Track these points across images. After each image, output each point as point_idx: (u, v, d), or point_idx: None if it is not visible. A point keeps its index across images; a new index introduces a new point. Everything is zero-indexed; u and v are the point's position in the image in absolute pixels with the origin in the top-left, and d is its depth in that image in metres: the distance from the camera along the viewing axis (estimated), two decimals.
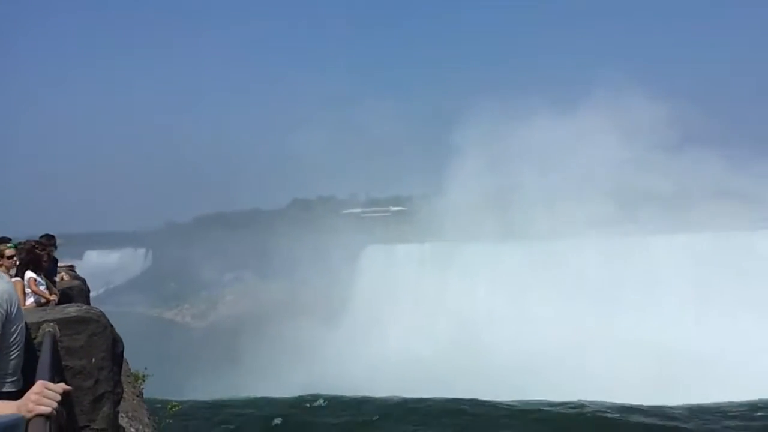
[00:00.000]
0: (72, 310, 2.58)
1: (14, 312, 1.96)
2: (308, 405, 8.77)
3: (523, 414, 7.24)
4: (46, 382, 1.62)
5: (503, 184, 40.82)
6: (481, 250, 34.79)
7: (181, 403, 8.87)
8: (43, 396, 1.55)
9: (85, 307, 2.74)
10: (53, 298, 4.36)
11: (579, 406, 7.29)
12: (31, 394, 1.56)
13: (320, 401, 8.78)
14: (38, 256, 4.30)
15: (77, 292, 5.44)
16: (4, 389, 1.95)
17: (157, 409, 7.45)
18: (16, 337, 1.98)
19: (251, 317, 44.56)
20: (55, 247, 5.59)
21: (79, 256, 60.89)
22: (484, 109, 49.40)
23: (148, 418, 4.54)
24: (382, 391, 9.19)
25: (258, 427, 8.28)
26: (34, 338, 2.27)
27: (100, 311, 2.63)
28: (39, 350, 2.18)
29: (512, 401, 7.80)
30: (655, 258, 30.00)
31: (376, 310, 36.40)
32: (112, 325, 2.63)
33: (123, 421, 3.41)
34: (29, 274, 4.18)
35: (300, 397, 9.41)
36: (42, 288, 4.26)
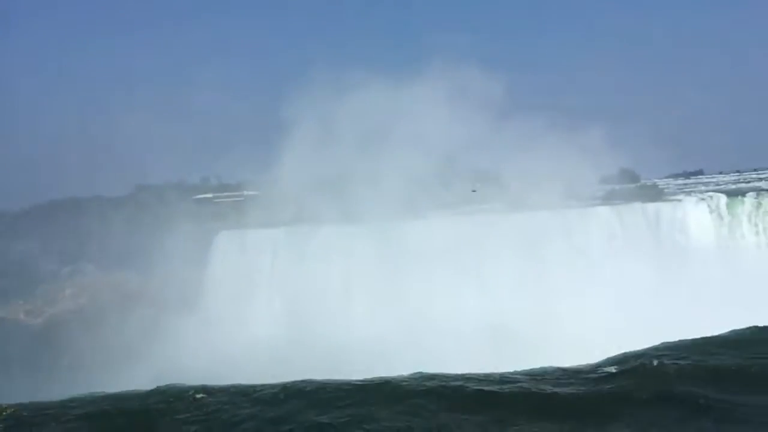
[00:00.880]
0: None
1: None
2: (159, 397, 8.34)
3: (364, 389, 7.42)
4: None
5: (336, 164, 40.42)
6: (332, 233, 35.21)
7: (13, 406, 8.15)
8: None
9: None
10: None
11: (424, 378, 7.60)
12: None
13: (171, 393, 8.40)
14: None
15: None
16: None
17: None
18: None
19: (94, 311, 41.88)
20: None
21: None
22: (314, 82, 46.75)
23: None
24: (234, 379, 8.99)
25: (102, 426, 7.75)
26: None
27: None
28: None
29: (359, 379, 7.95)
30: (490, 236, 32.11)
31: (231, 298, 35.79)
32: None
33: None
34: None
35: (152, 389, 8.88)
36: None
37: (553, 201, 35.77)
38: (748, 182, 54.10)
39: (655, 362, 7.05)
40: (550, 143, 37.08)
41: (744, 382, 6.20)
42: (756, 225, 34.28)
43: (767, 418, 5.65)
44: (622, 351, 7.78)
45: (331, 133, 41.94)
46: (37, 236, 54.02)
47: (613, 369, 7.26)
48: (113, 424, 7.60)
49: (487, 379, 7.50)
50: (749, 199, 34.84)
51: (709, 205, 35.51)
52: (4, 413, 7.67)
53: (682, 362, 6.90)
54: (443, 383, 7.21)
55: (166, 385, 8.70)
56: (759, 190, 37.18)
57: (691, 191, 42.40)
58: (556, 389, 6.86)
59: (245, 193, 57.90)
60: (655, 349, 7.71)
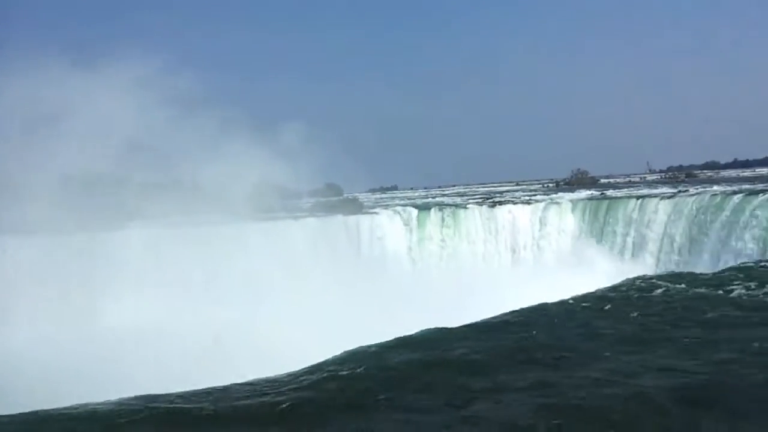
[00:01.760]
0: None
1: None
2: None
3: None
4: None
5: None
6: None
7: None
8: None
9: None
10: None
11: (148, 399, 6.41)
12: None
13: None
14: None
15: None
16: None
17: None
18: None
19: None
20: None
21: None
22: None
23: None
24: None
25: None
26: None
27: None
28: None
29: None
30: (194, 246, 30.75)
31: None
32: None
33: None
34: None
35: None
36: None
37: (261, 211, 35.66)
38: (434, 197, 60.62)
39: (345, 370, 6.93)
40: (257, 153, 37.00)
41: (422, 381, 6.38)
42: (440, 237, 38.19)
43: (438, 413, 5.76)
44: (323, 358, 7.59)
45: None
46: None
47: (311, 377, 6.91)
48: None
49: (193, 396, 6.71)
50: (434, 213, 38.66)
51: (402, 218, 38.59)
52: None
53: (367, 366, 6.87)
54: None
55: None
56: (442, 205, 41.57)
57: (387, 205, 45.80)
58: (251, 401, 6.29)
59: None
60: (352, 353, 7.65)
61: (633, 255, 33.64)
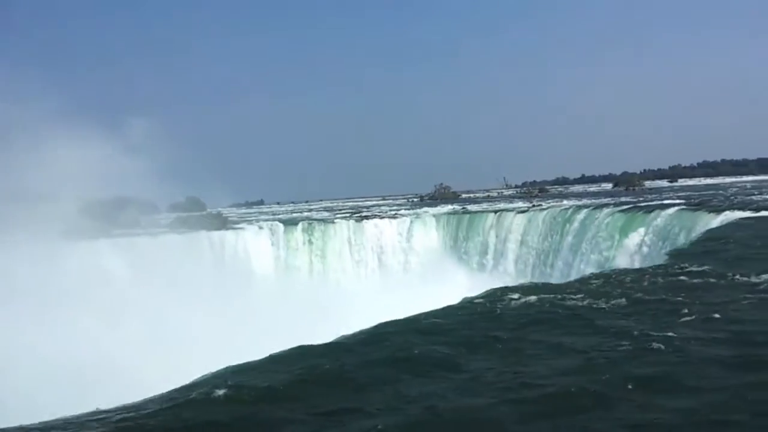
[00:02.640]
0: None
1: None
2: None
3: None
4: None
5: None
6: None
7: None
8: None
9: None
10: None
11: None
12: None
13: None
14: None
15: None
16: None
17: None
18: None
19: None
20: None
21: None
22: None
23: None
24: None
25: None
26: None
27: None
28: None
29: None
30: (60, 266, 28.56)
31: None
32: None
33: None
34: None
35: None
36: None
37: (116, 227, 33.62)
38: (302, 212, 60.22)
39: (210, 392, 6.64)
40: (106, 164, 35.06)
41: (293, 398, 6.24)
42: (308, 252, 37.92)
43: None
44: (188, 380, 7.27)
45: None
46: None
47: (176, 400, 6.57)
48: None
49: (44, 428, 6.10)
50: (301, 228, 38.35)
51: (269, 233, 37.94)
52: None
53: (233, 386, 6.64)
54: None
55: None
56: (310, 220, 41.36)
57: (253, 220, 44.89)
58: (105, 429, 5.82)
59: None
60: (217, 374, 7.36)
61: (493, 266, 35.25)
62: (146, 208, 42.76)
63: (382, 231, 39.23)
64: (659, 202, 32.30)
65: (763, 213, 23.06)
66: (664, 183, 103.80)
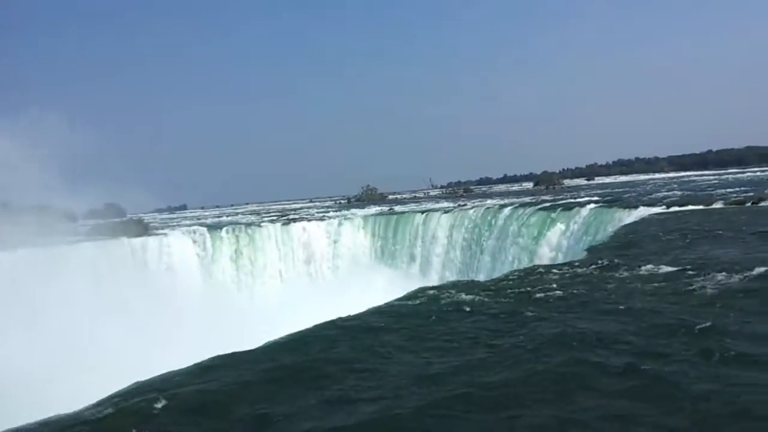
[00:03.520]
0: None
1: None
2: None
3: None
4: None
5: None
6: None
7: None
8: None
9: None
10: None
11: None
12: None
13: None
14: None
15: None
16: None
17: None
18: None
19: None
20: None
21: None
22: None
23: None
24: None
25: None
26: None
27: None
28: None
29: None
30: None
31: None
32: None
33: None
34: None
35: None
36: None
37: (30, 237, 31.99)
38: (227, 216, 59.09)
39: (134, 403, 6.44)
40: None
41: (216, 411, 6.19)
42: (234, 257, 37.22)
43: None
44: (109, 393, 7.00)
45: None
46: None
47: (98, 413, 6.37)
48: None
49: None
50: (227, 233, 37.62)
51: (193, 239, 37.00)
52: None
53: (158, 398, 6.48)
54: None
55: None
56: (236, 224, 40.64)
57: (176, 225, 43.70)
58: None
59: None
60: (142, 385, 7.20)
61: (421, 266, 35.64)
62: (60, 215, 40.85)
63: (310, 233, 39.01)
64: (578, 200, 33.51)
65: (674, 209, 24.31)
66: (582, 181, 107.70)
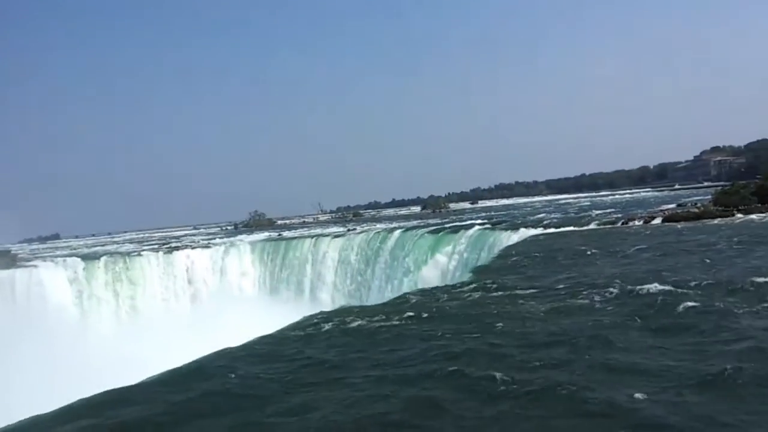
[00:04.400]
0: None
1: None
2: None
3: None
4: None
5: None
6: None
7: None
8: None
9: None
10: None
11: None
12: None
13: None
14: None
15: None
16: None
17: None
18: None
19: None
20: None
21: None
22: None
23: None
24: None
25: None
26: None
27: None
28: None
29: None
30: None
31: None
32: None
33: None
34: None
35: None
36: None
37: None
38: (104, 245, 56.00)
39: None
40: None
41: None
42: (113, 287, 35.15)
43: None
44: None
45: None
46: None
47: None
48: None
49: None
50: (104, 263, 35.55)
51: (66, 271, 34.65)
52: None
53: None
54: None
55: None
56: (113, 254, 38.52)
57: (48, 256, 40.84)
58: None
59: None
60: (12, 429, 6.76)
61: (311, 292, 35.24)
62: None
63: (195, 261, 37.62)
64: (463, 223, 34.52)
65: (552, 230, 25.58)
66: (467, 205, 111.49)
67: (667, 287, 10.68)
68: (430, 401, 6.38)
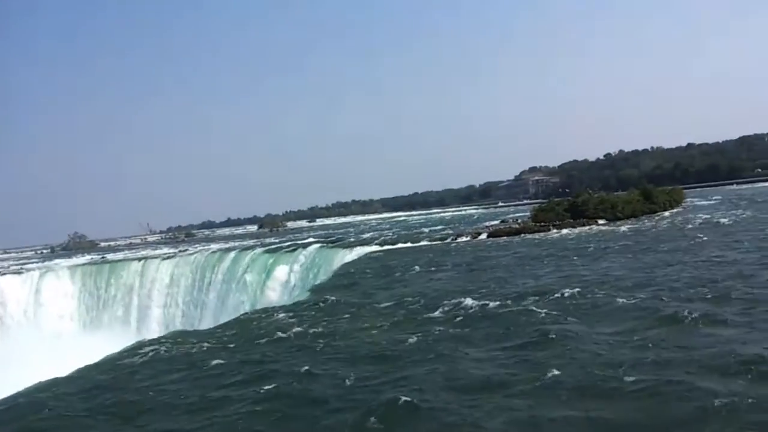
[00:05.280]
0: None
1: None
2: None
3: None
4: None
5: None
6: None
7: None
8: None
9: None
10: None
11: None
12: None
13: None
14: None
15: None
16: None
17: None
18: None
19: None
20: None
21: None
22: None
23: None
24: None
25: None
26: None
27: None
28: None
29: None
30: None
31: None
32: None
33: None
34: None
35: None
36: None
37: None
38: None
39: None
40: None
41: None
42: None
43: None
44: None
45: None
46: None
47: None
48: None
49: None
50: None
51: None
52: None
53: None
54: None
55: None
56: None
57: None
58: None
59: None
60: None
61: (139, 317, 33.02)
62: None
63: (4, 289, 33.86)
64: (301, 241, 34.28)
65: (388, 247, 26.14)
66: (305, 223, 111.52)
67: (485, 301, 11.17)
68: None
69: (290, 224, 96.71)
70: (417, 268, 17.79)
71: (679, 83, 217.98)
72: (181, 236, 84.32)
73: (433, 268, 17.46)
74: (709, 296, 9.64)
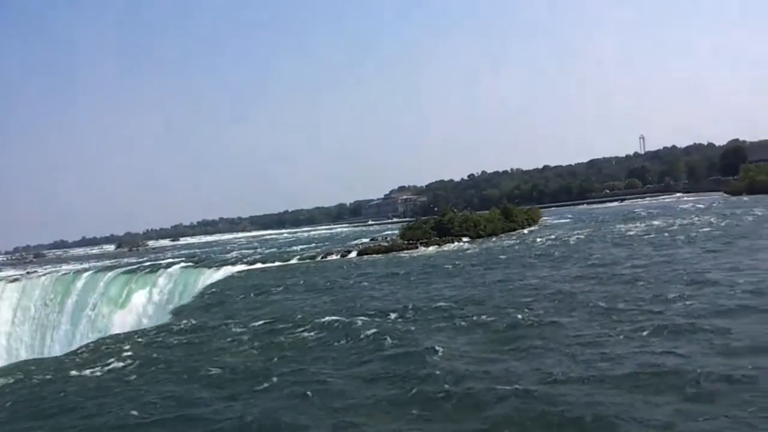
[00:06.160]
0: None
1: None
2: None
3: None
4: None
5: None
6: None
7: None
8: None
9: None
10: None
11: None
12: None
13: None
14: None
15: None
16: None
17: None
18: None
19: None
20: None
21: None
22: None
23: None
24: None
25: None
26: None
27: None
28: None
29: None
30: None
31: None
32: None
33: None
34: None
35: None
36: None
37: None
38: None
39: None
40: None
41: None
42: None
43: None
44: None
45: None
46: None
47: None
48: None
49: None
50: None
51: None
52: None
53: None
54: None
55: None
56: None
57: None
58: None
59: None
60: None
61: None
62: None
63: None
64: (163, 261, 32.93)
65: (257, 266, 25.76)
66: (168, 242, 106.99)
67: (349, 318, 11.37)
68: None
69: (152, 243, 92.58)
70: (283, 287, 17.72)
71: (534, 110, 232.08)
72: (29, 257, 78.13)
73: (299, 287, 17.47)
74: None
